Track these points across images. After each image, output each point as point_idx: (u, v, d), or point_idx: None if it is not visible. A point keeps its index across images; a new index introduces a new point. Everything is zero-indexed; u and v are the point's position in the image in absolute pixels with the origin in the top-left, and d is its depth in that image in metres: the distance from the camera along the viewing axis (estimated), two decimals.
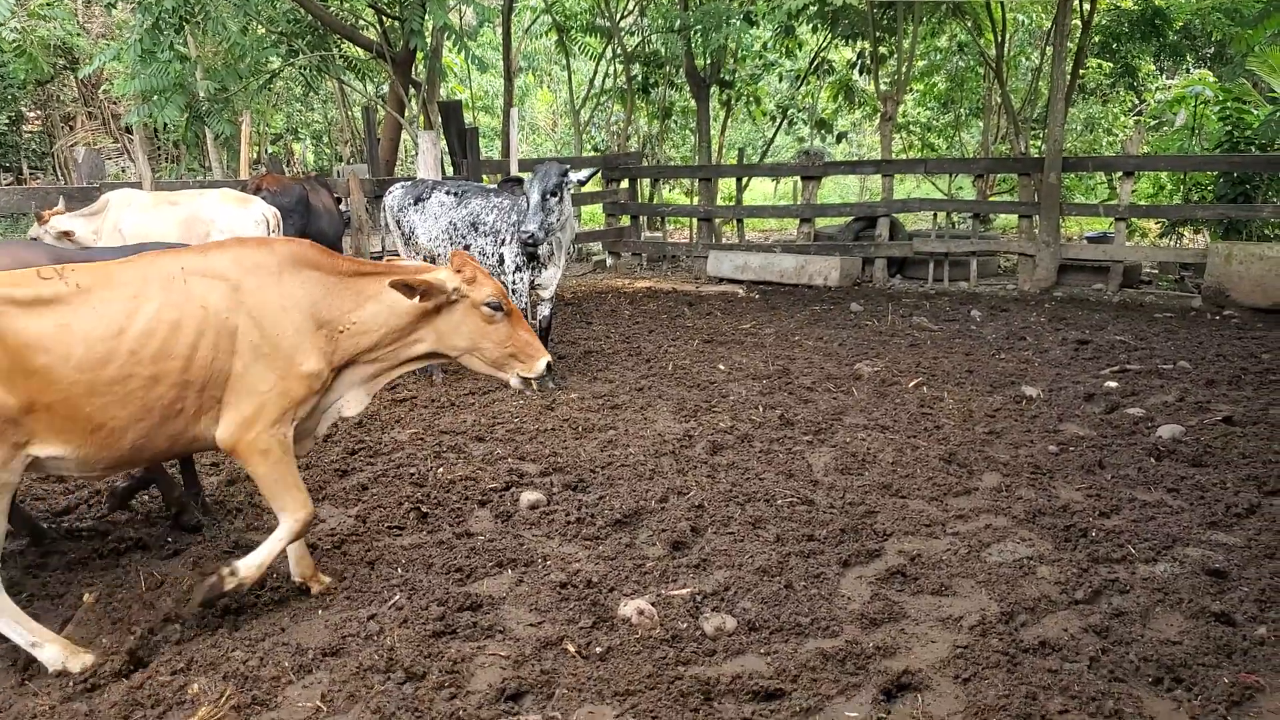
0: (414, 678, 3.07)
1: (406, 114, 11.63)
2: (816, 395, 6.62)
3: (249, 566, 3.40)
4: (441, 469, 5.08)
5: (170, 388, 3.22)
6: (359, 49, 12.24)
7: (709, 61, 15.74)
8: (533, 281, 6.86)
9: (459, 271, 3.59)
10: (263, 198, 7.29)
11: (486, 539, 4.19)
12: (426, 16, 9.79)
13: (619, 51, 16.91)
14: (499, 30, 14.10)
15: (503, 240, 6.81)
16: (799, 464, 5.19)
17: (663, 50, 16.44)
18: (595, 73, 18.23)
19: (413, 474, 5.01)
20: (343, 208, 9.60)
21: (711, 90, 16.48)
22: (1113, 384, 6.71)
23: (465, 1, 13.67)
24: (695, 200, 16.07)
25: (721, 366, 7.52)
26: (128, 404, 3.17)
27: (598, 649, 3.23)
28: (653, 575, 3.81)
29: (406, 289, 3.43)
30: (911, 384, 6.84)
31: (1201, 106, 14.00)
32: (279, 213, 6.99)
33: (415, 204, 7.11)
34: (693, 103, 16.39)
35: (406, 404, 6.44)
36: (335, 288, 3.48)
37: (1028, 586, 3.69)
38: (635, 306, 10.50)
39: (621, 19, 17.11)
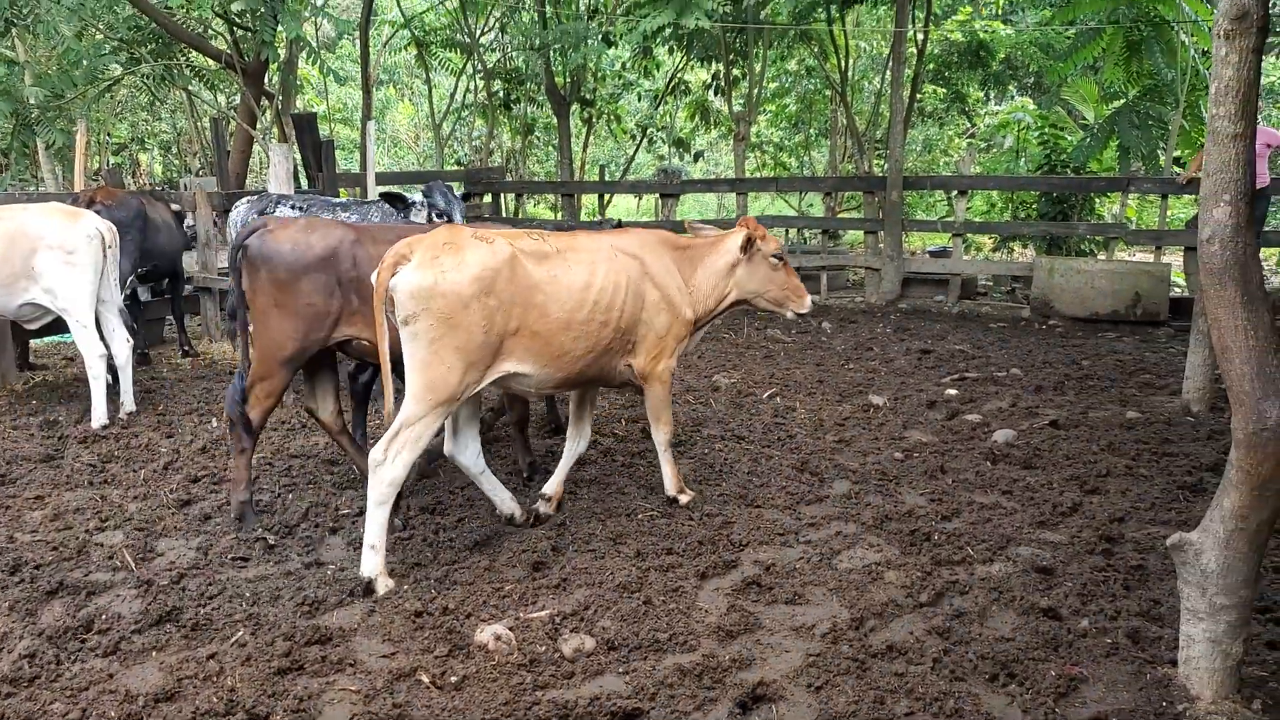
0: (256, 719, 2.92)
1: (259, 126, 11.18)
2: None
3: (670, 486, 4.81)
4: (291, 495, 4.87)
5: (610, 330, 4.33)
6: (208, 59, 11.69)
7: (569, 80, 15.82)
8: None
9: (755, 230, 4.76)
10: (96, 211, 6.84)
11: (338, 568, 4.04)
12: (279, 28, 9.45)
13: (479, 67, 16.78)
14: (358, 42, 13.76)
15: None
16: (659, 477, 5.23)
17: (523, 67, 16.43)
18: (456, 88, 18.03)
19: (260, 501, 4.79)
20: (189, 222, 9.12)
21: (572, 108, 16.56)
22: (953, 391, 7.09)
23: (319, 13, 13.29)
24: (559, 215, 16.07)
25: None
26: (584, 340, 4.26)
27: (453, 678, 3.16)
28: (512, 598, 3.76)
29: (746, 244, 4.72)
30: (766, 395, 7.03)
31: (1024, 131, 15.05)
32: (114, 227, 6.56)
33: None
34: (555, 119, 16.44)
35: None
36: (682, 260, 4.71)
37: (876, 592, 3.84)
38: None
39: (482, 35, 17.00)
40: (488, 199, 14.17)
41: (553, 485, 4.76)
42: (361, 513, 4.65)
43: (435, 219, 6.30)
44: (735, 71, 15.99)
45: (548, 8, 15.88)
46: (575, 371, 4.32)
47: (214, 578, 3.92)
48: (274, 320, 4.41)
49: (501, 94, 17.20)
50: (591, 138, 20.29)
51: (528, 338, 4.08)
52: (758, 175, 18.69)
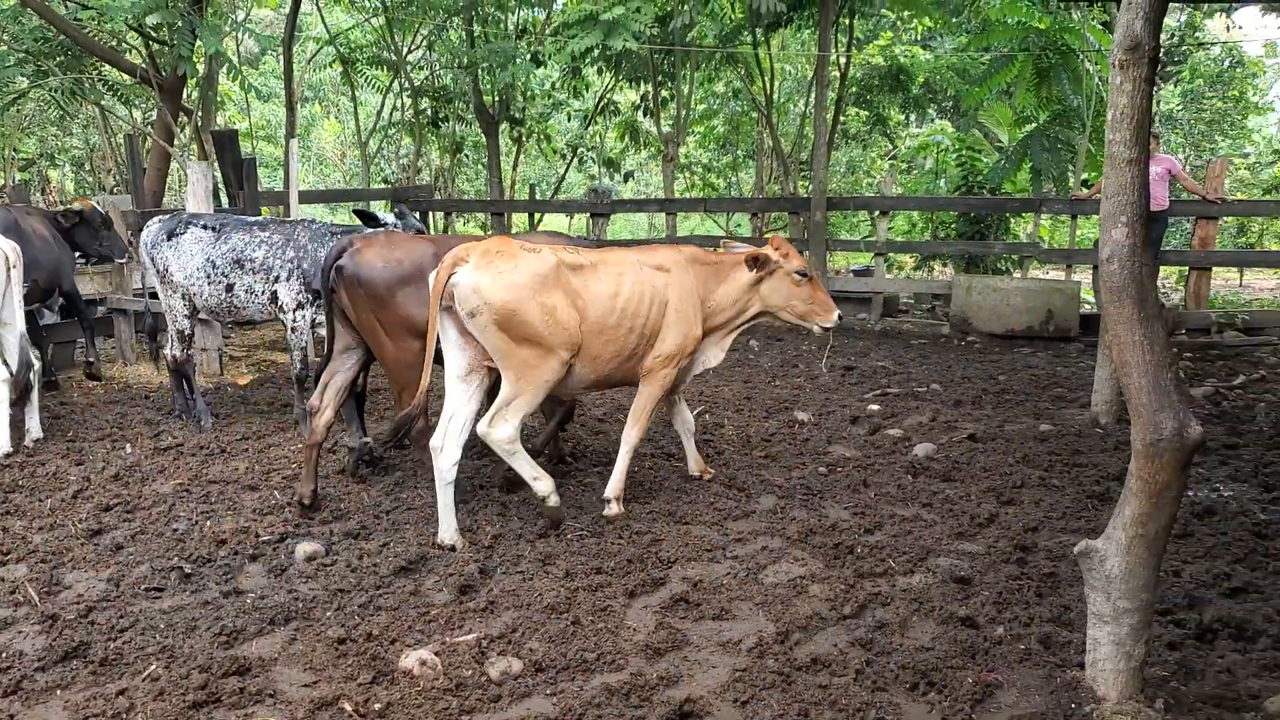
0: None
1: (177, 143, 10.91)
2: (607, 426, 6.73)
3: (614, 487, 4.96)
4: (209, 522, 4.75)
5: (635, 337, 4.76)
6: (122, 73, 11.37)
7: (498, 99, 15.80)
8: (314, 320, 6.49)
9: (776, 249, 5.05)
10: None
11: (258, 596, 3.95)
12: (198, 43, 9.26)
13: (407, 85, 16.66)
14: (282, 59, 13.55)
15: (276, 278, 6.39)
16: (588, 496, 5.24)
17: (451, 86, 16.36)
18: (383, 105, 17.85)
19: (176, 530, 4.65)
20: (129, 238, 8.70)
21: (502, 126, 16.54)
22: (875, 407, 7.24)
23: (239, 28, 13.06)
24: (488, 234, 15.99)
25: None
26: (613, 345, 4.70)
27: (376, 705, 3.11)
28: (438, 622, 3.72)
29: (754, 263, 4.98)
30: (694, 412, 7.08)
31: (943, 153, 15.52)
32: (17, 247, 6.30)
33: (169, 239, 6.57)
34: (484, 138, 16.39)
35: (171, 452, 5.98)
36: (708, 275, 5.05)
37: (801, 605, 3.89)
38: None
39: (409, 53, 16.88)
40: (415, 216, 14.04)
41: (692, 462, 5.48)
42: (283, 538, 4.58)
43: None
44: (664, 93, 16.17)
45: (476, 26, 15.88)
46: (604, 374, 4.82)
47: (125, 610, 3.80)
48: (381, 336, 5.01)
49: (429, 112, 17.10)
50: (522, 156, 20.26)
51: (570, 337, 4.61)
52: (687, 196, 18.88)
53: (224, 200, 10.79)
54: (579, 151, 19.16)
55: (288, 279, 6.37)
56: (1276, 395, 7.73)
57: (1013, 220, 13.78)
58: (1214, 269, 11.60)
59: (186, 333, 6.71)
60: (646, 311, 4.77)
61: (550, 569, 4.25)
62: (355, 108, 17.95)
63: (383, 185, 18.20)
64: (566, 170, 20.02)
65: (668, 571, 4.24)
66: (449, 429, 4.58)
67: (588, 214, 14.17)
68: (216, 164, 10.76)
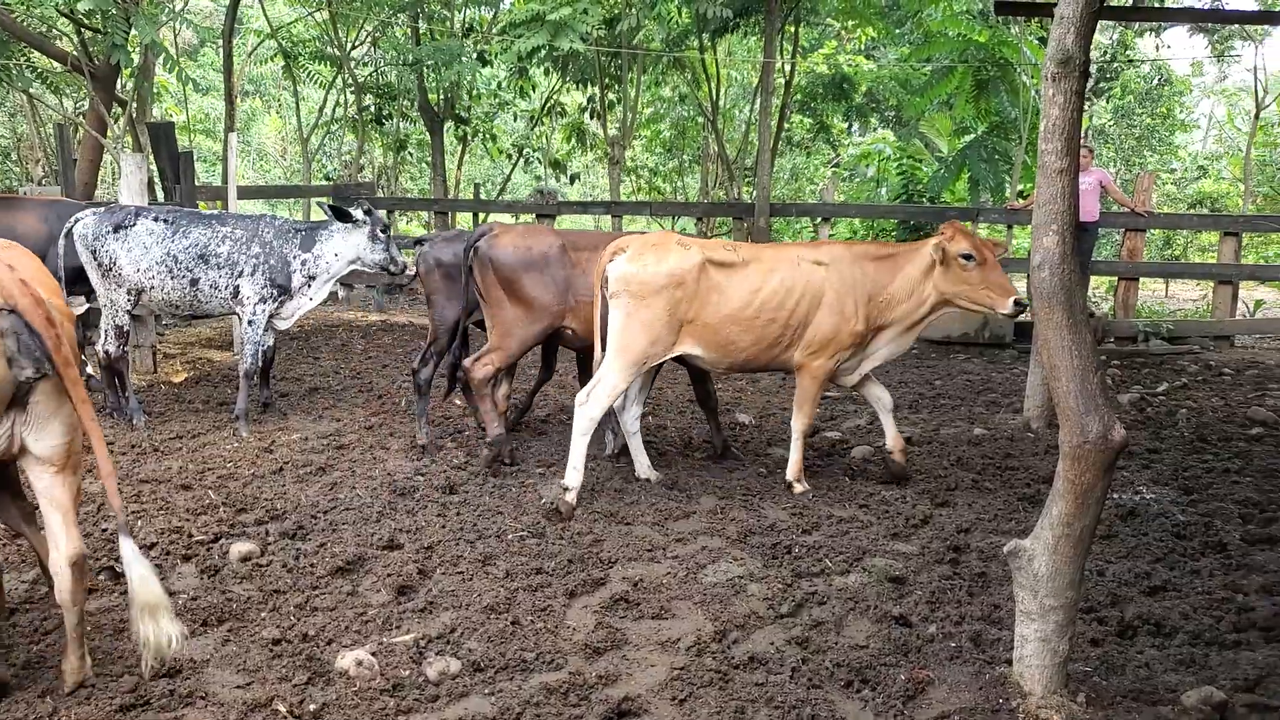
0: None
1: (110, 134, 10.60)
2: (550, 427, 6.72)
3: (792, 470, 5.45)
4: (140, 522, 4.63)
5: (778, 327, 5.15)
6: (52, 60, 11.03)
7: (443, 97, 15.68)
8: (272, 315, 6.65)
9: (944, 234, 5.11)
10: None
11: (190, 597, 3.87)
12: (132, 31, 9.01)
13: (350, 81, 16.43)
14: (222, 51, 13.26)
15: (241, 272, 6.52)
16: (531, 497, 5.23)
17: (396, 83, 16.18)
18: (326, 101, 17.58)
19: (105, 530, 4.53)
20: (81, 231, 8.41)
21: (447, 125, 16.40)
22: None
23: (176, 18, 12.76)
24: (432, 234, 15.85)
25: (457, 401, 7.44)
26: (749, 333, 5.14)
27: (311, 706, 3.07)
28: (375, 623, 3.69)
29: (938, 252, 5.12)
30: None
31: (884, 162, 15.79)
32: None
33: (115, 232, 6.45)
34: (428, 136, 16.24)
35: None
36: (881, 269, 5.23)
37: (739, 604, 3.94)
38: (368, 341, 10.17)
39: (353, 49, 16.65)
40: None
41: (890, 439, 5.56)
42: (217, 538, 4.49)
43: (380, 234, 6.63)
44: (610, 96, 16.19)
45: (421, 24, 15.74)
46: (743, 359, 5.24)
47: (50, 611, 3.69)
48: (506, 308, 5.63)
49: (373, 109, 16.88)
50: (467, 156, 20.12)
51: (701, 327, 5.11)
52: (633, 199, 18.93)
53: (159, 194, 10.53)
54: (525, 152, 19.09)
55: (252, 274, 6.51)
56: (1197, 402, 8.02)
57: None
58: (1141, 279, 11.97)
59: (125, 329, 6.60)
60: (793, 305, 5.13)
61: (490, 569, 4.24)
62: (297, 103, 17.68)
63: (324, 182, 17.94)
64: (512, 170, 19.94)
65: (608, 571, 4.26)
66: (595, 388, 5.14)
67: (533, 215, 14.14)
68: (152, 156, 10.49)
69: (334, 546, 4.40)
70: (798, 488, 5.38)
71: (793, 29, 14.24)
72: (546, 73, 16.23)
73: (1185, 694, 3.16)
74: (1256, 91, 18.86)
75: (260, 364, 6.69)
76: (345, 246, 6.68)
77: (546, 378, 6.79)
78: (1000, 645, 3.53)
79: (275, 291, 6.56)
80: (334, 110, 17.62)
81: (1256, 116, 18.50)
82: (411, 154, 19.92)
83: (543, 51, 13.36)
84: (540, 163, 19.88)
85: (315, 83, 17.86)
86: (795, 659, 3.47)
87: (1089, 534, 3.10)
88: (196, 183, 10.62)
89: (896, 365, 9.48)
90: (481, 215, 16.13)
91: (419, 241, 6.59)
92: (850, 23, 15.57)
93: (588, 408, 5.06)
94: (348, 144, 19.10)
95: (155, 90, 15.13)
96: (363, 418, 6.83)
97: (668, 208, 15.68)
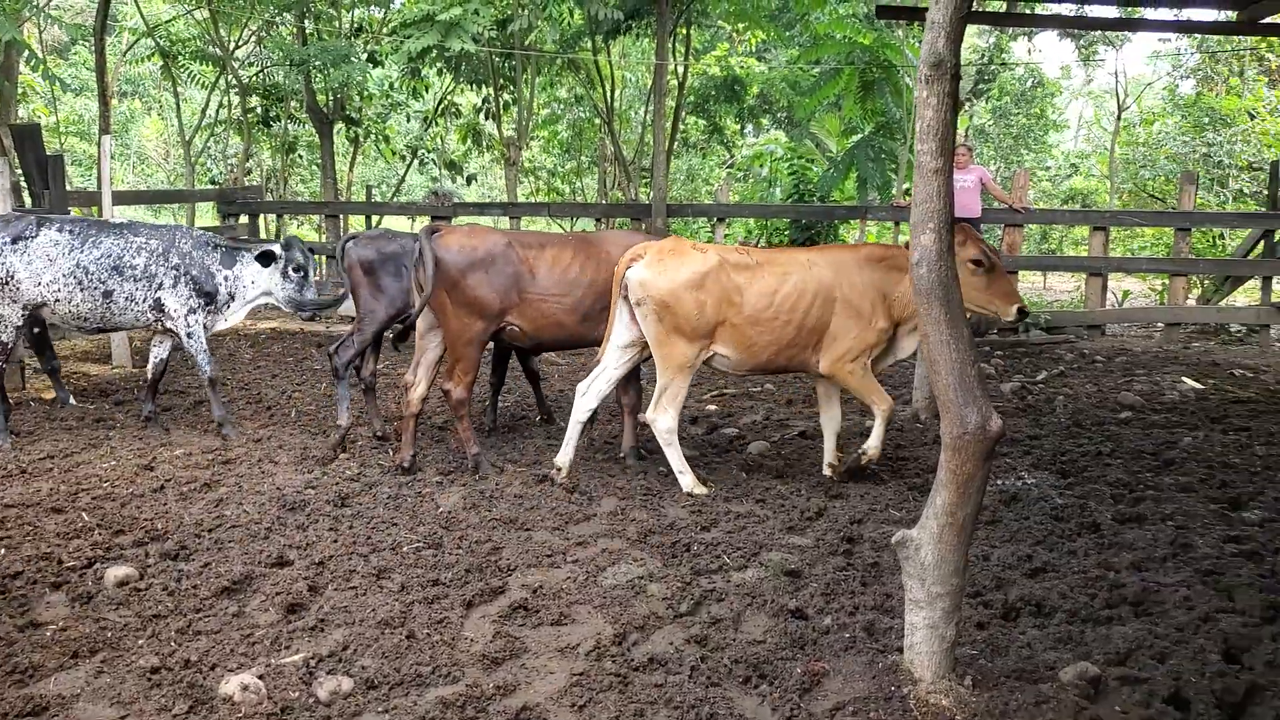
0: None
1: None
2: (449, 435, 6.61)
3: (873, 447, 5.47)
4: (4, 551, 4.36)
5: (793, 329, 5.27)
6: None
7: (332, 98, 15.28)
8: (205, 323, 6.54)
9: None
10: None
11: (59, 628, 3.65)
12: None
13: (234, 82, 15.87)
14: (94, 50, 12.62)
15: (160, 285, 6.36)
16: (427, 506, 5.14)
17: (283, 83, 15.70)
18: (209, 102, 16.93)
19: None
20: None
21: (337, 126, 16.00)
22: (712, 407, 7.43)
23: (40, 14, 12.10)
24: (323, 238, 15.43)
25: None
26: (769, 334, 5.27)
27: None
28: (263, 644, 3.55)
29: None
30: (539, 418, 7.06)
31: (776, 162, 16.10)
32: None
33: (14, 244, 6.16)
34: (318, 138, 15.81)
35: None
36: (888, 271, 5.31)
37: (639, 605, 3.94)
38: (257, 350, 9.83)
39: (236, 48, 16.09)
40: (244, 220, 13.39)
41: (829, 454, 5.67)
42: (91, 563, 4.25)
43: (293, 272, 6.47)
44: (506, 96, 16.05)
45: (308, 23, 15.31)
46: (764, 359, 5.38)
47: None
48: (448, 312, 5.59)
49: (259, 110, 16.34)
50: (359, 158, 19.67)
51: (728, 329, 5.28)
52: (532, 200, 18.81)
53: (26, 199, 9.95)
54: (419, 153, 18.78)
55: (174, 286, 6.37)
56: (1073, 389, 8.42)
57: (841, 227, 14.42)
58: (1020, 272, 12.50)
59: (9, 345, 6.31)
60: (807, 307, 5.25)
61: (385, 583, 4.14)
62: (178, 104, 16.98)
63: (210, 186, 17.26)
64: (406, 172, 19.59)
65: (507, 579, 4.20)
66: (596, 379, 5.56)
67: (429, 217, 13.91)
68: (16, 160, 9.90)
69: (219, 566, 4.23)
70: (869, 455, 5.48)
71: (685, 31, 14.37)
72: (440, 73, 15.99)
73: (1063, 670, 3.30)
74: (1118, 94, 19.94)
75: (210, 370, 6.52)
76: (260, 276, 6.56)
77: (499, 383, 6.87)
78: (892, 634, 3.62)
79: (203, 300, 6.46)
80: (218, 112, 17.00)
81: (1119, 117, 19.55)
82: (302, 156, 19.36)
83: (434, 52, 13.18)
84: (436, 164, 19.58)
85: (197, 83, 17.20)
86: (694, 658, 3.48)
87: (971, 521, 3.21)
88: (70, 187, 10.07)
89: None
90: (375, 218, 15.80)
91: (349, 240, 6.52)
92: (740, 25, 15.81)
93: (660, 421, 5.35)
94: (233, 146, 18.45)
95: (20, 90, 14.31)
96: (251, 430, 6.60)
97: (566, 209, 15.65)
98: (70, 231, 6.32)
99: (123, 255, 6.34)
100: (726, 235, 13.63)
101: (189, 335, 6.43)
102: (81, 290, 6.26)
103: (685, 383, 5.35)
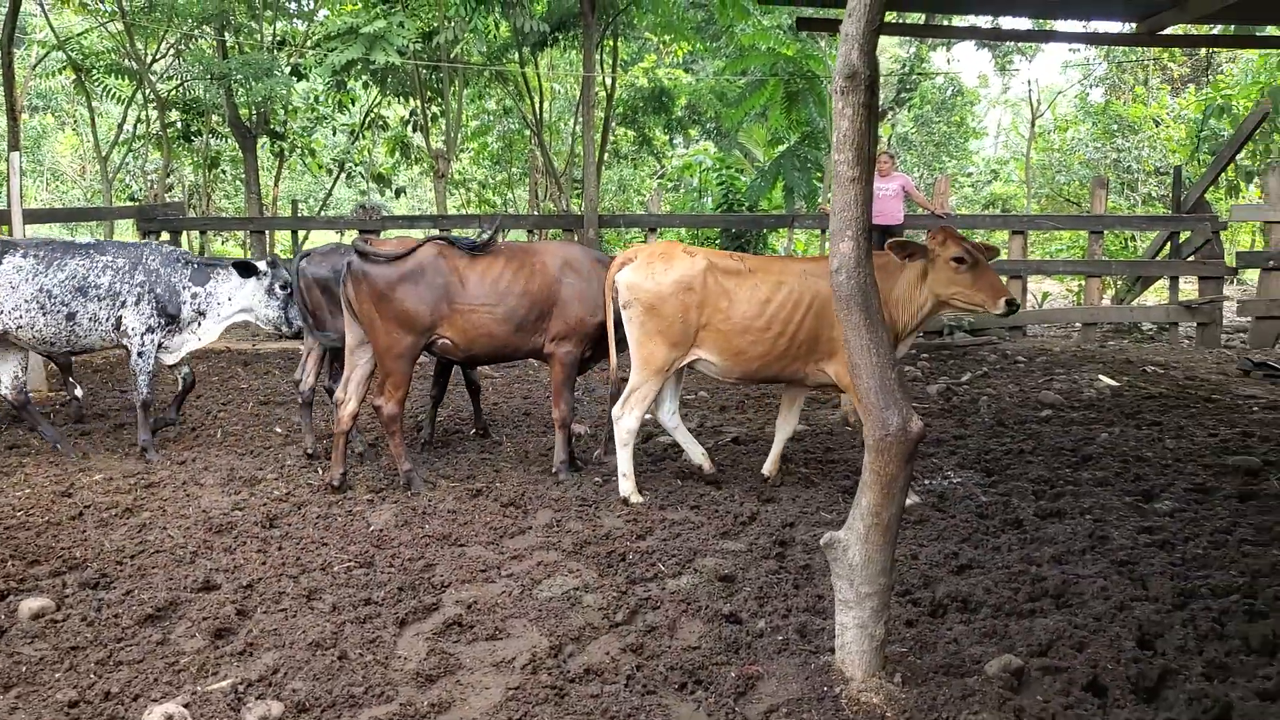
0: None
1: None
2: (380, 450, 6.52)
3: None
4: None
5: (785, 340, 5.17)
6: None
7: (255, 112, 14.99)
8: (160, 343, 6.43)
9: (934, 238, 5.09)
10: None
11: None
12: None
13: (151, 96, 15.46)
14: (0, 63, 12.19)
15: (123, 303, 6.26)
16: (359, 525, 5.06)
17: (204, 97, 15.35)
18: (125, 117, 16.47)
19: None
20: None
21: (261, 140, 15.70)
22: (647, 416, 7.44)
23: None
24: (248, 253, 15.10)
25: (278, 429, 7.12)
26: (760, 344, 5.19)
27: None
28: (189, 671, 3.46)
29: (900, 249, 5.09)
30: (472, 432, 7.01)
31: (705, 172, 16.28)
32: None
33: None
34: (242, 152, 15.49)
35: None
36: (883, 278, 4.72)
37: (574, 617, 3.94)
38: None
39: (153, 62, 15.69)
40: (165, 237, 13.05)
41: (770, 466, 5.70)
42: (3, 596, 4.09)
43: (279, 289, 6.40)
44: (434, 108, 15.93)
45: (228, 36, 15.01)
46: (754, 369, 5.31)
47: None
48: (377, 326, 5.54)
49: (180, 124, 15.96)
50: (285, 172, 19.32)
51: (713, 334, 5.23)
52: (462, 212, 18.68)
53: None
54: (347, 167, 18.52)
55: (136, 304, 6.27)
56: (996, 389, 8.66)
57: (770, 235, 14.63)
58: None
59: None
60: (800, 318, 5.14)
61: (316, 604, 4.07)
62: (93, 119, 16.48)
63: (129, 203, 16.80)
64: (333, 186, 19.31)
65: (441, 596, 4.17)
66: (657, 404, 5.67)
67: (356, 231, 13.72)
68: None
69: (141, 593, 4.11)
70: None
71: (612, 43, 14.45)
72: (366, 86, 15.82)
73: (988, 664, 3.39)
74: (1032, 102, 20.61)
75: (147, 393, 6.40)
76: (240, 293, 6.45)
77: (439, 396, 6.81)
78: (824, 634, 3.68)
79: (164, 321, 6.34)
80: (135, 126, 16.56)
81: (1033, 124, 20.20)
82: (225, 171, 18.95)
83: (359, 65, 13.04)
84: (364, 177, 19.34)
85: (113, 97, 16.72)
86: (630, 667, 3.50)
87: (896, 521, 3.29)
88: None
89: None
90: (302, 233, 15.52)
91: (303, 257, 6.40)
92: (667, 37, 15.96)
93: (625, 420, 5.33)
94: (153, 162, 17.98)
95: None
96: (175, 453, 6.43)
97: (496, 220, 15.56)
98: (31, 256, 6.20)
99: (88, 276, 6.24)
100: None
101: (139, 354, 6.30)
102: (44, 314, 6.15)
103: (657, 386, 5.35)
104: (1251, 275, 13.96)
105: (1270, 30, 12.78)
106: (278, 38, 15.78)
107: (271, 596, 4.13)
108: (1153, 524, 4.98)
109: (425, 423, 6.87)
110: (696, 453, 5.77)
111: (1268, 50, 15.02)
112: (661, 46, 17.85)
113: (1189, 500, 5.40)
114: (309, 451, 6.39)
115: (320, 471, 6.01)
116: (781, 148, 14.12)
